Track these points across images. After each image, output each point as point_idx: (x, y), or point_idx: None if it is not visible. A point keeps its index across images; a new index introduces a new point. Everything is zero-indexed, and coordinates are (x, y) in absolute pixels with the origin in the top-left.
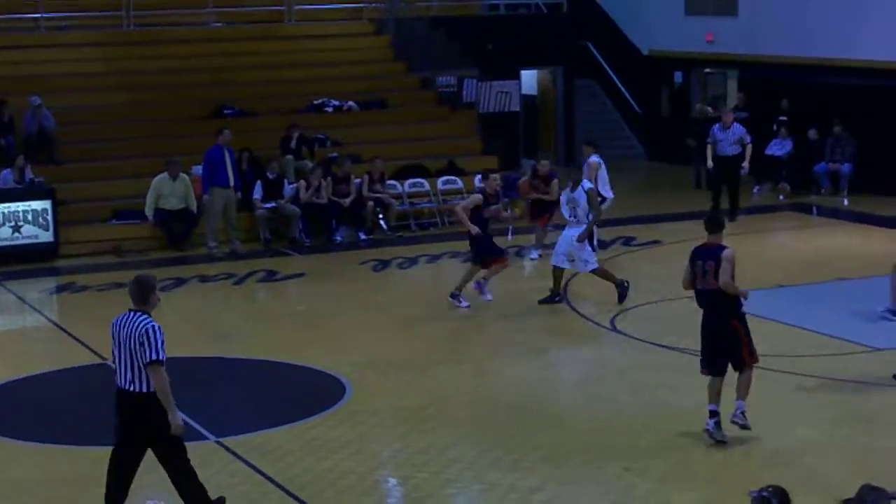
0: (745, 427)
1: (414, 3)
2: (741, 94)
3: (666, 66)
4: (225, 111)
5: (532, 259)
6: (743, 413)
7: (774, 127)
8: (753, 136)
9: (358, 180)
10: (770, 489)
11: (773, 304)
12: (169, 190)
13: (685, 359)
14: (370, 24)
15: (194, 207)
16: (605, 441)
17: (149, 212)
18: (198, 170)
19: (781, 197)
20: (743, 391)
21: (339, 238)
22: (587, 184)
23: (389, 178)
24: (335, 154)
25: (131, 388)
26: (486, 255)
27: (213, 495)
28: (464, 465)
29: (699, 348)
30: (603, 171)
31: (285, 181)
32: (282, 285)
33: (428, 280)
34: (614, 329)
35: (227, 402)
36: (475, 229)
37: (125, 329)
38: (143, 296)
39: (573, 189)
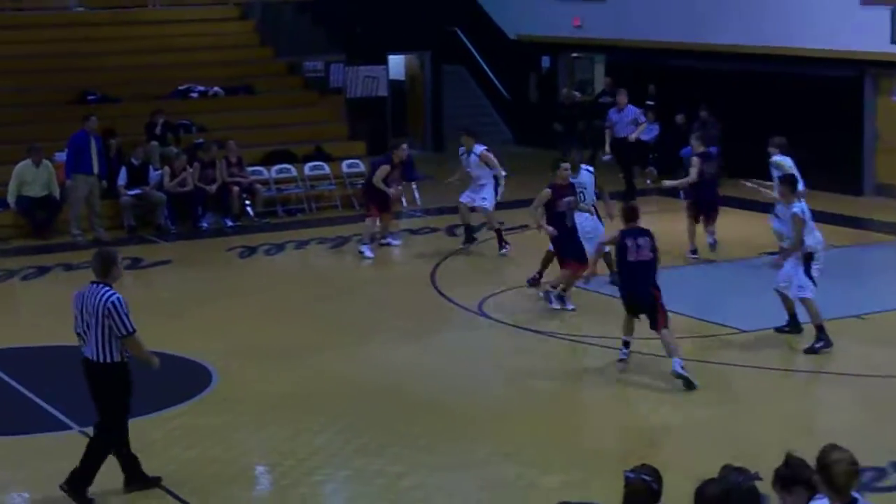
0: (689, 383)
1: None
2: (608, 78)
3: (533, 51)
4: (88, 97)
5: (396, 244)
6: (682, 367)
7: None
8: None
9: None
10: (647, 472)
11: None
12: (32, 177)
13: (552, 343)
14: (235, 9)
15: (57, 194)
16: (475, 426)
17: (11, 199)
18: (61, 156)
19: (649, 181)
20: (672, 349)
21: (205, 225)
22: (590, 168)
23: (256, 164)
24: (201, 140)
25: (94, 359)
26: (564, 254)
27: None
28: (331, 451)
29: (566, 333)
30: (493, 157)
31: (150, 168)
32: (147, 273)
33: (295, 266)
34: (482, 314)
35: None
36: (551, 230)
37: (88, 301)
38: (105, 269)
39: (575, 174)
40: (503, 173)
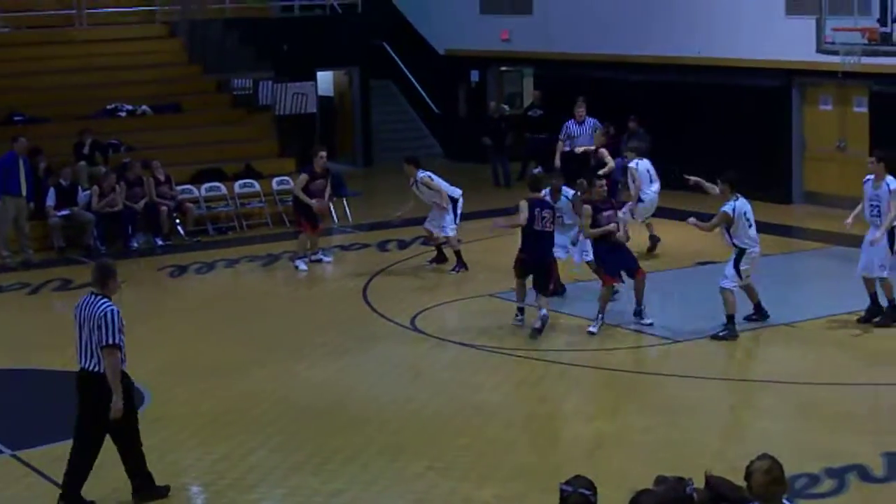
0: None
1: (207, 4)
2: (537, 91)
3: (462, 66)
4: (15, 118)
5: (328, 261)
6: (545, 317)
7: None
8: (550, 134)
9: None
10: (583, 484)
11: (571, 300)
12: None
13: (484, 356)
14: (163, 27)
15: None
16: (408, 440)
17: None
18: None
19: (579, 193)
20: (545, 303)
21: (135, 244)
22: (569, 192)
23: (186, 183)
24: (128, 160)
25: (90, 368)
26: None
27: None
28: (265, 470)
29: (498, 346)
30: (438, 180)
31: (79, 188)
32: (77, 294)
33: (227, 285)
34: (414, 328)
35: (23, 414)
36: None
37: (85, 311)
38: (103, 281)
39: (556, 198)
40: (456, 193)
